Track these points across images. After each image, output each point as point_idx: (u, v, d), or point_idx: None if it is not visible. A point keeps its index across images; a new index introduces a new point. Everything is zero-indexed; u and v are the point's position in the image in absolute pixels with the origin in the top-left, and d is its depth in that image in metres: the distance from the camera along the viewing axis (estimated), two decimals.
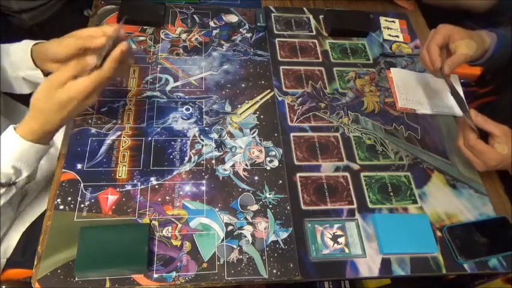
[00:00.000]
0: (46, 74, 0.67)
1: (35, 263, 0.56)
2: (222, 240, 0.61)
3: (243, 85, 0.80)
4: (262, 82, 0.81)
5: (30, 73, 0.66)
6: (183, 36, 0.86)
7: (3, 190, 0.57)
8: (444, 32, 0.69)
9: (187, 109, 0.75)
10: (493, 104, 0.81)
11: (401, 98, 0.81)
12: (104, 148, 0.67)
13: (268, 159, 0.70)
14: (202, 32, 0.87)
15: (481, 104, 0.80)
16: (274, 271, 0.59)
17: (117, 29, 0.59)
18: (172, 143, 0.70)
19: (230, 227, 0.62)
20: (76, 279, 0.55)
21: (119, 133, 0.69)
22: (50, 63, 0.64)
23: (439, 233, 0.65)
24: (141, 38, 0.84)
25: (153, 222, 0.61)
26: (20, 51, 0.66)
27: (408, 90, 0.83)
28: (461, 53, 0.67)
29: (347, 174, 0.70)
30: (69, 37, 0.62)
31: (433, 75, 0.73)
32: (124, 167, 0.66)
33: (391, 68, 0.86)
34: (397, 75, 0.85)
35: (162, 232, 0.60)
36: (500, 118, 0.68)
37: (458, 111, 0.80)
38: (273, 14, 0.93)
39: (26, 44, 0.65)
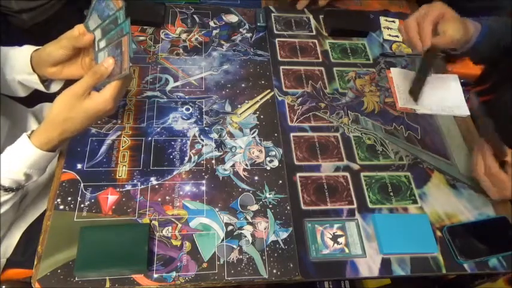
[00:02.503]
0: (43, 80, 0.67)
1: (35, 263, 0.56)
2: (222, 240, 0.61)
3: (243, 85, 0.80)
4: (262, 82, 0.81)
5: (26, 77, 0.67)
6: (183, 36, 0.86)
7: (11, 195, 0.58)
8: (439, 9, 0.66)
9: (187, 109, 0.75)
10: (491, 102, 0.80)
11: (401, 98, 0.81)
12: (104, 148, 0.67)
13: (268, 159, 0.70)
14: (202, 32, 0.87)
15: (479, 103, 0.80)
16: (274, 271, 0.59)
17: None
18: (172, 143, 0.70)
19: (230, 227, 0.62)
20: (76, 279, 0.55)
21: (119, 133, 0.69)
22: (50, 68, 0.64)
23: (439, 233, 0.65)
24: (141, 38, 0.84)
25: (153, 222, 0.61)
26: (20, 56, 0.66)
27: (408, 90, 0.83)
28: (450, 35, 0.65)
29: (347, 174, 0.70)
30: (64, 38, 0.63)
31: (411, 48, 0.69)
32: (124, 167, 0.66)
33: (391, 68, 0.86)
34: (397, 75, 0.85)
35: (162, 232, 0.60)
36: (498, 117, 0.68)
37: (458, 112, 0.80)
38: (273, 14, 0.93)
39: (27, 50, 0.66)
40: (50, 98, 0.85)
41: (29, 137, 0.57)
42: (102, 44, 0.60)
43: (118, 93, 0.57)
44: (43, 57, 0.64)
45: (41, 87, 0.69)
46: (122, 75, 0.55)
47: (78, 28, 0.62)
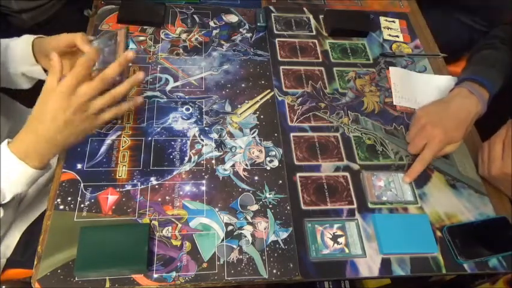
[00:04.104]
0: (45, 69, 0.67)
1: (35, 263, 0.56)
2: (222, 240, 0.61)
3: (243, 85, 0.80)
4: (262, 82, 0.81)
5: (30, 69, 0.66)
6: (183, 36, 0.86)
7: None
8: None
9: (187, 109, 0.75)
10: (491, 107, 0.80)
11: (397, 96, 0.82)
12: (103, 148, 0.67)
13: (268, 159, 0.70)
14: (202, 32, 0.87)
15: None
16: (274, 271, 0.59)
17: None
18: (172, 143, 0.70)
19: (230, 227, 0.62)
20: (76, 279, 0.55)
21: (119, 133, 0.69)
22: (45, 58, 0.64)
23: (439, 233, 0.65)
24: (141, 38, 0.84)
25: (153, 222, 0.61)
26: (20, 46, 0.65)
27: (405, 88, 0.83)
28: (444, 151, 0.71)
29: (347, 174, 0.70)
30: (63, 37, 0.63)
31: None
32: (124, 167, 0.66)
33: (390, 67, 0.86)
34: (395, 74, 0.85)
35: (162, 232, 0.60)
36: (498, 121, 0.68)
37: None
38: (273, 14, 0.93)
39: (27, 39, 0.65)
40: None
41: (23, 161, 0.54)
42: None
43: (101, 81, 0.56)
44: (42, 45, 0.64)
45: (44, 77, 0.68)
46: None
47: (78, 37, 0.62)
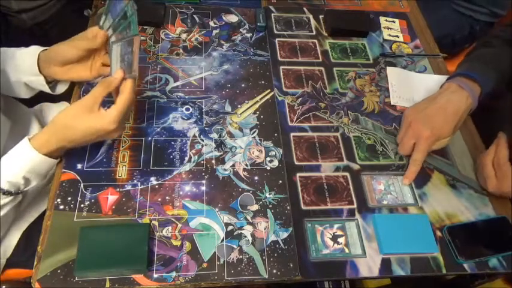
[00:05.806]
0: (49, 80, 0.67)
1: (35, 263, 0.56)
2: (222, 240, 0.61)
3: (243, 85, 0.80)
4: (262, 82, 0.81)
5: (32, 79, 0.67)
6: (183, 36, 0.86)
7: (10, 198, 0.58)
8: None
9: (187, 109, 0.75)
10: (491, 107, 0.80)
11: (394, 96, 0.82)
12: (103, 148, 0.67)
13: (268, 159, 0.70)
14: (202, 32, 0.87)
15: (479, 107, 0.80)
16: (274, 271, 0.59)
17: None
18: (172, 143, 0.70)
19: (230, 227, 0.62)
20: (76, 279, 0.55)
21: None
22: (56, 67, 0.65)
23: (439, 233, 0.65)
24: (141, 38, 0.84)
25: (153, 222, 0.61)
26: (27, 57, 0.66)
27: (402, 88, 0.83)
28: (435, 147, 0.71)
29: (347, 174, 0.70)
30: (78, 39, 0.64)
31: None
32: (124, 167, 0.66)
33: (387, 67, 0.86)
34: (393, 73, 0.85)
35: (162, 232, 0.60)
36: (498, 121, 0.68)
37: None
38: (273, 14, 0.93)
39: (34, 50, 0.66)
40: (50, 98, 0.85)
41: (29, 140, 0.57)
42: (113, 38, 0.60)
43: (122, 114, 0.57)
44: (51, 55, 0.64)
45: (46, 89, 0.69)
46: (131, 75, 0.57)
47: (92, 30, 0.62)
